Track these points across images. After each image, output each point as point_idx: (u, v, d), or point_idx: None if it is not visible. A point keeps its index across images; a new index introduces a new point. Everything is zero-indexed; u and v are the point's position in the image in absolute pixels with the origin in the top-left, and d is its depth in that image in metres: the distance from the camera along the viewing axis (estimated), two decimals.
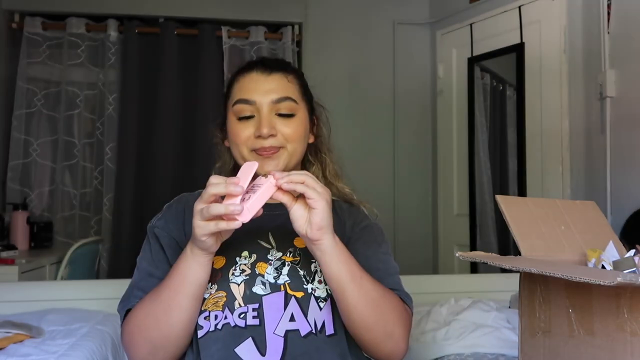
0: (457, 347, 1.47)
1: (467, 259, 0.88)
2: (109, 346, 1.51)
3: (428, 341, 1.52)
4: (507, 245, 2.93)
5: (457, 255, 0.90)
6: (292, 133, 1.05)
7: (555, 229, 0.96)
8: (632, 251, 0.93)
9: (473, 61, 3.17)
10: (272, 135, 1.03)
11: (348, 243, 1.05)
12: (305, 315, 0.98)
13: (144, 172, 3.39)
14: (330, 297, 1.00)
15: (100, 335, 1.52)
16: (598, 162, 2.40)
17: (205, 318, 0.97)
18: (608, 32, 2.32)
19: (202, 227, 0.86)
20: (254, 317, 0.96)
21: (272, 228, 1.06)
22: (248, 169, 0.89)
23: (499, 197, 0.95)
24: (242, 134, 1.05)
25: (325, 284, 1.00)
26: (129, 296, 1.01)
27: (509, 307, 1.72)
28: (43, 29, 3.40)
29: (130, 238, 3.31)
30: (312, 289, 1.00)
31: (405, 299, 1.04)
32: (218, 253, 0.99)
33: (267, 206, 1.09)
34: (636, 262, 0.84)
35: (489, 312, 1.62)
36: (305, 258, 1.02)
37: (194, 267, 0.92)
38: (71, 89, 3.44)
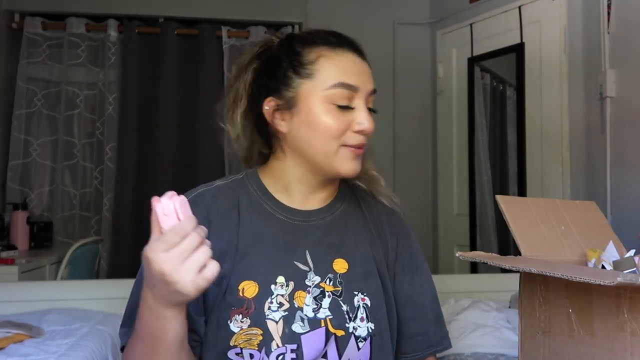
0: (457, 347, 1.47)
1: (467, 259, 0.88)
2: (109, 346, 1.51)
3: None
4: (507, 245, 2.93)
5: (457, 255, 0.90)
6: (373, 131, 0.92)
7: (555, 229, 0.95)
8: (632, 251, 0.93)
9: (473, 61, 3.16)
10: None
11: (394, 265, 0.99)
12: (340, 356, 0.89)
13: (144, 172, 3.39)
14: (370, 336, 0.90)
15: (100, 335, 1.52)
16: (598, 162, 2.40)
17: (237, 354, 0.85)
18: (608, 32, 2.32)
19: (195, 283, 0.68)
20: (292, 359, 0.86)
21: (309, 244, 0.93)
22: (182, 207, 0.72)
23: (499, 197, 0.95)
24: (338, 125, 0.88)
25: (368, 322, 0.90)
26: (126, 323, 0.86)
27: (509, 307, 1.72)
28: (43, 29, 3.40)
29: (130, 238, 3.31)
30: (353, 327, 0.89)
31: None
32: (248, 277, 0.87)
33: (298, 212, 0.95)
34: (636, 262, 0.84)
35: (489, 312, 1.62)
36: (347, 289, 0.91)
37: (173, 326, 0.75)
38: (71, 89, 3.44)
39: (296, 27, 3.61)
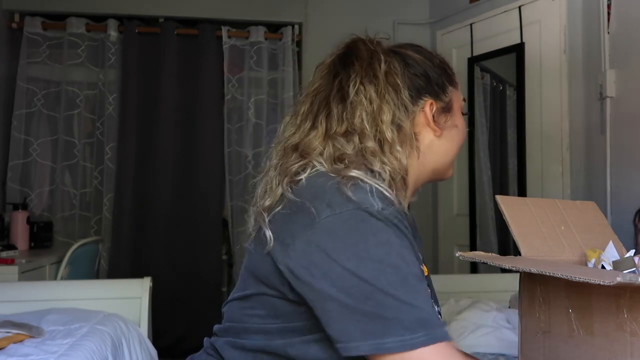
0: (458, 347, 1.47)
1: (467, 259, 0.88)
2: (109, 346, 1.51)
3: None
4: (507, 245, 2.93)
5: (457, 255, 0.90)
6: None
7: (555, 229, 0.95)
8: (632, 251, 0.93)
9: (473, 61, 3.16)
10: None
11: None
12: None
13: (144, 172, 3.39)
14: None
15: (100, 335, 1.52)
16: (598, 162, 2.40)
17: None
18: (608, 32, 2.32)
19: None
20: None
21: (419, 247, 0.95)
22: None
23: (498, 197, 0.95)
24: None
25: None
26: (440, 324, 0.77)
27: (509, 307, 1.72)
28: (43, 29, 3.40)
29: (130, 238, 3.32)
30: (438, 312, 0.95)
31: None
32: None
33: (406, 215, 0.89)
34: (636, 262, 0.84)
35: (489, 312, 1.62)
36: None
37: None
38: (71, 89, 3.44)
39: (296, 27, 3.61)
